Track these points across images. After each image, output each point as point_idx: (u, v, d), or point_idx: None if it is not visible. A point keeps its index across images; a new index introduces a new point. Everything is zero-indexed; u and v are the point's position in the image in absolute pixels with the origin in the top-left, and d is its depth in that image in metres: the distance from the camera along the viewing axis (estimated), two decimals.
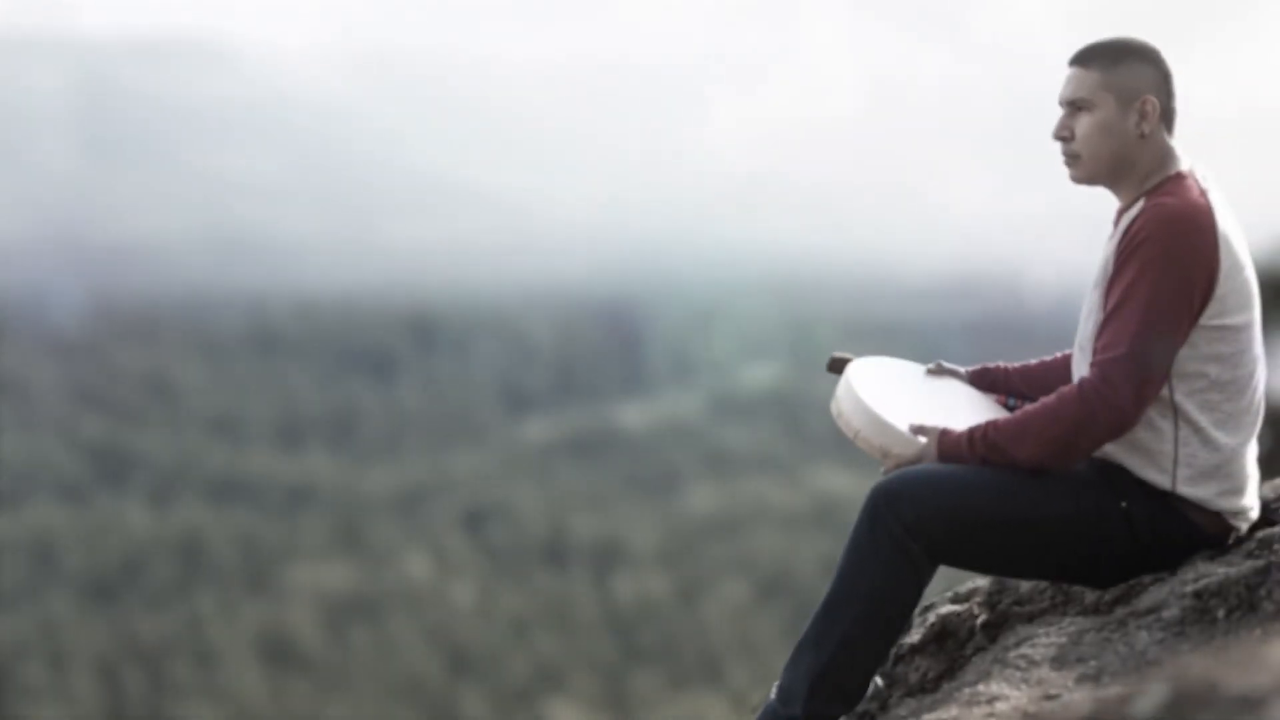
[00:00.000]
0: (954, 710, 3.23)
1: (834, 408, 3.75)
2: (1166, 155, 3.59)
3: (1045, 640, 3.42)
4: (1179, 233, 3.46)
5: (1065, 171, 3.67)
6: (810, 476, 57.66)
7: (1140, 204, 3.55)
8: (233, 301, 75.53)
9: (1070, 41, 3.70)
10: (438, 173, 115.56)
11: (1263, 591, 3.29)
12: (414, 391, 69.90)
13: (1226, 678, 1.74)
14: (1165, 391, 3.52)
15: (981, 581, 4.15)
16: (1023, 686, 3.24)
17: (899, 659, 3.98)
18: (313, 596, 50.50)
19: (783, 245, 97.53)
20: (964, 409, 3.80)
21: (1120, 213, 3.63)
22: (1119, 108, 3.57)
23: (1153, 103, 3.56)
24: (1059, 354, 3.96)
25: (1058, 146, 3.66)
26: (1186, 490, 3.55)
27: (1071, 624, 3.48)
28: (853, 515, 3.55)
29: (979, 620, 3.98)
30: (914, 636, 4.02)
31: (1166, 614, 3.31)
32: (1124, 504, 3.54)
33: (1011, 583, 4.07)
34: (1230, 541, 3.62)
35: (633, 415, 67.57)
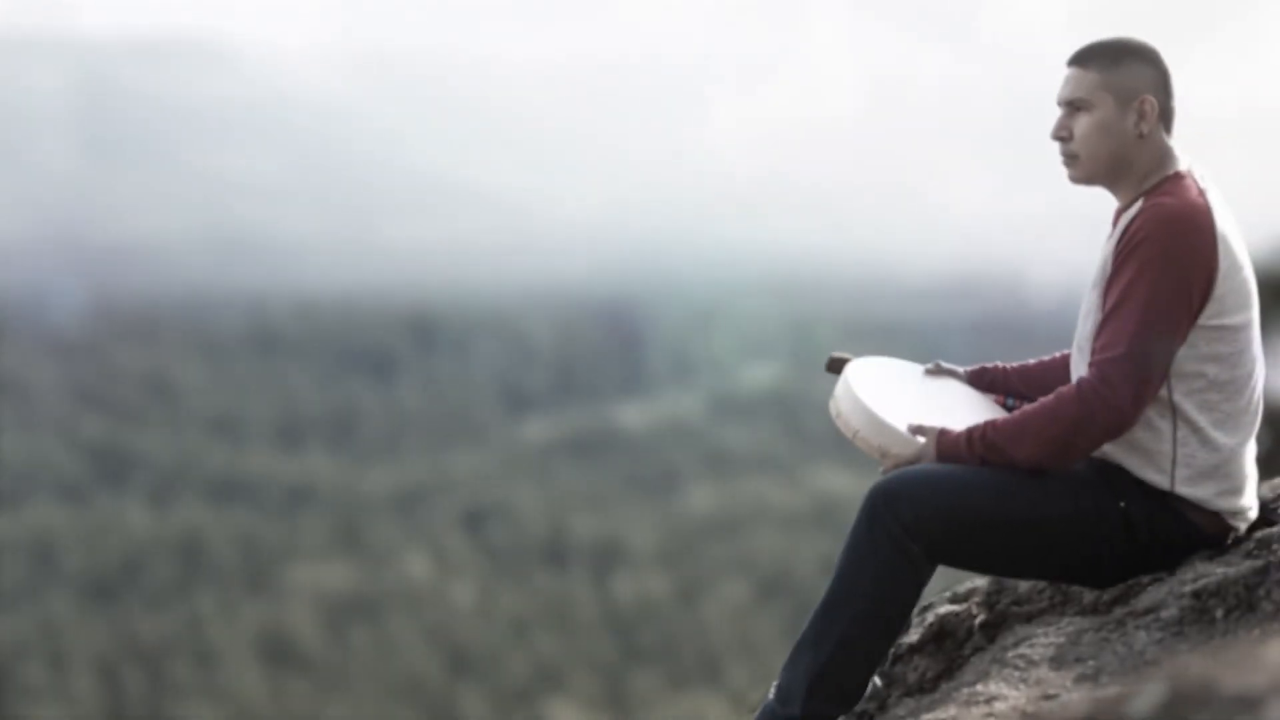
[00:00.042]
0: (952, 710, 3.23)
1: (833, 408, 3.75)
2: (1165, 155, 3.59)
3: (1044, 640, 3.42)
4: (1178, 233, 3.46)
5: (1064, 171, 3.67)
6: (810, 476, 57.66)
7: (1139, 204, 3.55)
8: (233, 301, 75.53)
9: (1070, 42, 3.70)
10: (438, 173, 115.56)
11: (1261, 591, 3.29)
12: (414, 391, 69.90)
13: (1224, 677, 1.74)
14: (1164, 391, 3.52)
15: (980, 581, 4.15)
16: (1021, 686, 3.24)
17: (897, 659, 3.98)
18: (313, 596, 50.50)
19: (783, 245, 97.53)
20: (962, 409, 3.80)
21: (1119, 213, 3.63)
22: (1117, 108, 3.57)
23: (1151, 103, 3.56)
24: (1057, 354, 3.96)
25: (1057, 146, 3.66)
26: (1185, 490, 3.55)
27: (1070, 624, 3.48)
28: (852, 515, 3.55)
29: (977, 620, 3.98)
30: (912, 636, 4.02)
31: (1165, 614, 3.31)
32: (1122, 504, 3.54)
33: (1010, 583, 4.07)
34: (1229, 541, 3.62)
35: (633, 415, 67.56)
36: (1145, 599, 3.42)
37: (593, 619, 50.84)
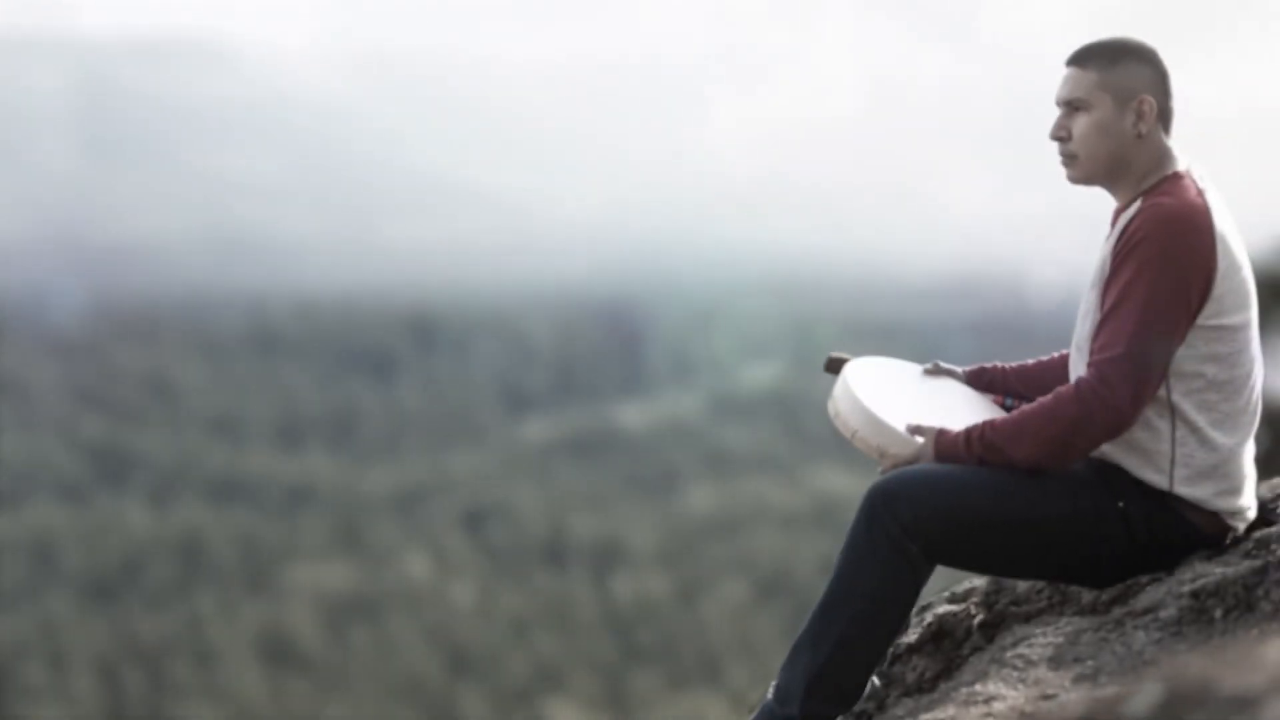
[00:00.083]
0: (951, 710, 3.22)
1: (831, 408, 3.75)
2: (1164, 155, 3.59)
3: (1042, 640, 3.42)
4: (1176, 233, 3.46)
5: (1063, 171, 3.67)
6: (810, 476, 57.66)
7: (1137, 204, 3.55)
8: (233, 301, 75.55)
9: (1070, 42, 3.70)
10: (438, 173, 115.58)
11: (1260, 591, 3.29)
12: (414, 391, 69.90)
13: (1221, 677, 1.74)
14: (1162, 391, 3.52)
15: (978, 581, 4.15)
16: (1020, 686, 3.24)
17: (896, 659, 3.98)
18: (312, 596, 50.50)
19: (783, 245, 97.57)
20: (961, 409, 3.80)
21: (1117, 213, 3.63)
22: (1116, 108, 3.56)
23: (1150, 103, 3.56)
24: (1056, 354, 3.96)
25: (1055, 146, 3.66)
26: (1184, 490, 3.55)
27: (1068, 624, 3.48)
28: (852, 515, 3.55)
29: (976, 620, 3.98)
30: (911, 636, 4.02)
31: (1164, 614, 3.31)
32: (1121, 504, 3.54)
33: (1008, 583, 4.07)
34: (1228, 541, 3.62)
35: (632, 415, 67.57)
36: (1144, 599, 3.42)
37: (592, 619, 50.85)
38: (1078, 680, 3.17)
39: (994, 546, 3.53)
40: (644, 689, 46.16)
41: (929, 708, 3.35)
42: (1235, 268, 3.52)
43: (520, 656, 47.80)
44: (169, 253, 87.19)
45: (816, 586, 3.56)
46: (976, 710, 3.18)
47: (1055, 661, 3.29)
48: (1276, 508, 3.81)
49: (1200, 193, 3.53)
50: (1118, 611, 3.43)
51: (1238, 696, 1.69)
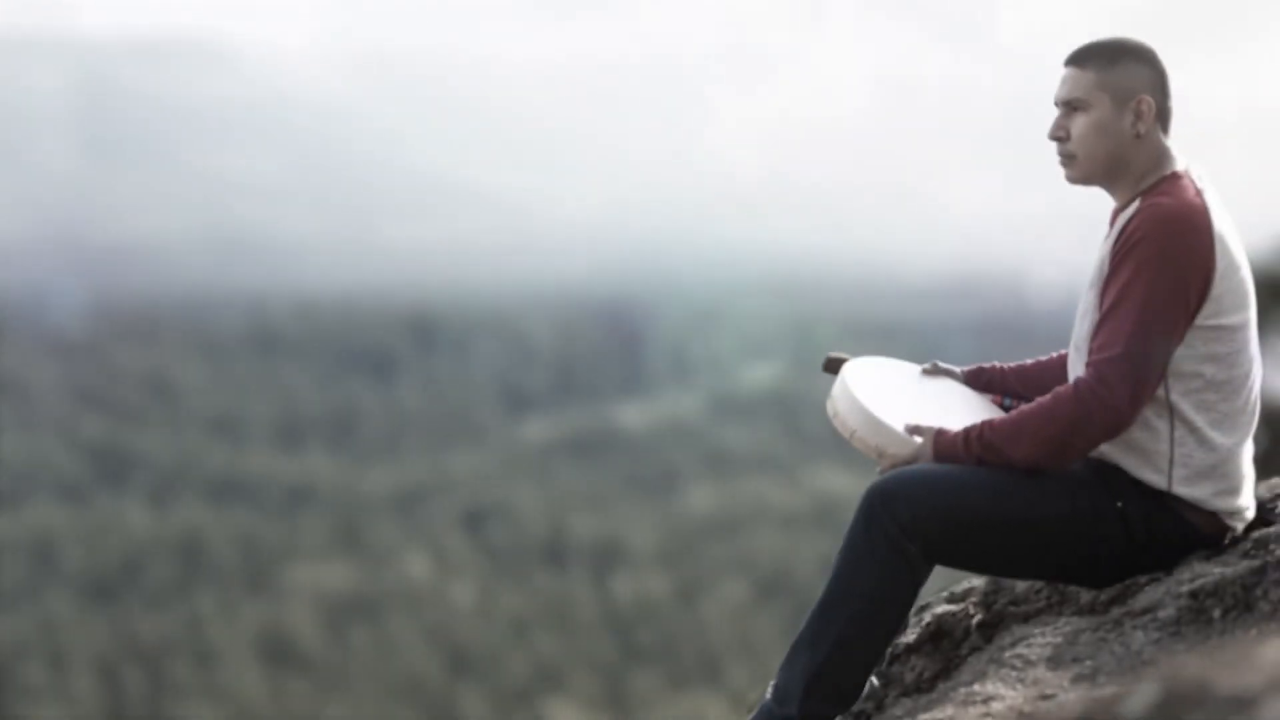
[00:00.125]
0: (949, 710, 3.22)
1: (830, 408, 3.75)
2: (1162, 155, 3.59)
3: (1041, 640, 3.42)
4: (1175, 233, 3.46)
5: (1062, 172, 3.67)
6: (810, 476, 57.66)
7: (1136, 204, 3.54)
8: (233, 301, 75.56)
9: (1072, 42, 3.70)
10: (438, 173, 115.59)
11: (1259, 591, 3.29)
12: (414, 391, 69.91)
13: (1218, 677, 1.74)
14: (1161, 391, 3.52)
15: (977, 581, 4.15)
16: (1018, 686, 3.24)
17: (894, 659, 3.98)
18: (312, 596, 50.51)
19: (783, 245, 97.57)
20: (959, 409, 3.79)
21: (1116, 213, 3.63)
22: (1114, 108, 3.56)
23: (1148, 102, 3.56)
24: (1055, 354, 3.96)
25: (1054, 146, 3.66)
26: (1182, 490, 3.55)
27: (1067, 624, 3.48)
28: (852, 515, 3.55)
29: (975, 620, 3.98)
30: (910, 636, 4.02)
31: (1162, 614, 3.31)
32: (1120, 504, 3.54)
33: (1007, 583, 4.07)
34: (1226, 541, 3.62)
35: (632, 415, 67.58)
36: (1142, 599, 3.42)
37: (592, 619, 50.85)
38: (1076, 680, 3.16)
39: (992, 546, 3.53)
40: (644, 689, 46.17)
41: (927, 708, 3.35)
42: (1234, 268, 3.52)
43: (520, 656, 47.81)
44: (169, 253, 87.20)
45: (816, 586, 3.56)
46: (975, 710, 3.18)
47: (1054, 661, 3.29)
48: (1275, 508, 3.81)
49: (1199, 193, 3.53)
50: (1116, 611, 3.43)
51: (1234, 696, 1.69)
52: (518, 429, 66.83)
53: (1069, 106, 3.60)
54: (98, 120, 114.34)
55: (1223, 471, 3.56)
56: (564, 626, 49.82)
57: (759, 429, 64.67)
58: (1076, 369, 3.60)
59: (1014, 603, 3.98)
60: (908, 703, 3.57)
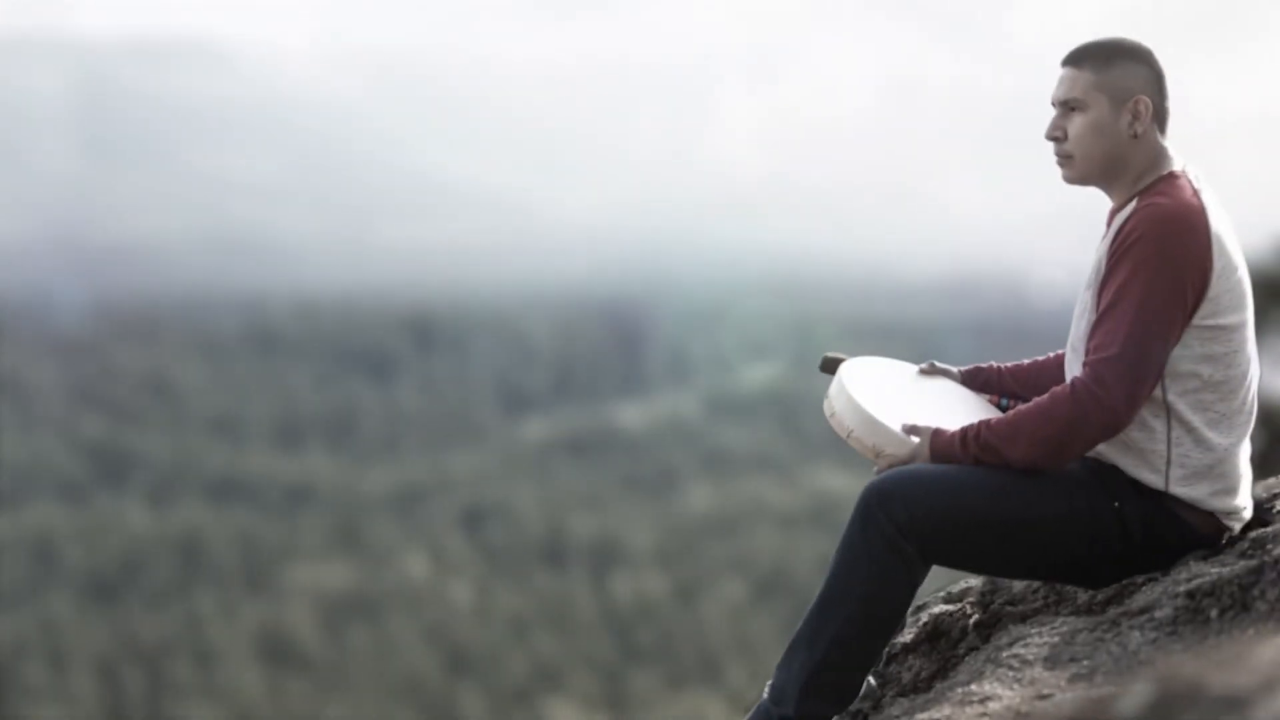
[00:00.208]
0: (947, 710, 3.22)
1: (827, 407, 3.75)
2: (1159, 155, 3.59)
3: (1038, 640, 3.42)
4: (1172, 233, 3.45)
5: (1059, 172, 3.67)
6: (808, 476, 57.69)
7: (1133, 204, 3.54)
8: (233, 301, 75.57)
9: (1074, 42, 3.70)
10: (438, 173, 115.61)
11: (1256, 591, 3.28)
12: (413, 391, 69.93)
13: (1212, 678, 1.74)
14: (1158, 392, 3.52)
15: (974, 581, 4.15)
16: (1015, 686, 3.24)
17: (892, 658, 3.98)
18: (312, 596, 50.52)
19: (783, 245, 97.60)
20: (957, 409, 3.79)
21: (1113, 213, 3.63)
22: (1111, 108, 3.56)
23: (1145, 103, 3.56)
24: (1051, 354, 3.96)
25: (1052, 147, 3.66)
26: (1180, 490, 3.55)
27: (1064, 624, 3.48)
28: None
29: (972, 620, 3.98)
30: (907, 636, 4.02)
31: (1159, 614, 3.31)
32: (1117, 504, 3.54)
33: (1004, 582, 4.07)
34: (1223, 541, 3.62)
35: (631, 415, 67.60)
36: (1140, 599, 3.42)
37: (591, 619, 50.87)
38: (1073, 680, 3.16)
39: (990, 546, 3.53)
40: (643, 688, 46.18)
41: (925, 707, 3.35)
42: (1231, 268, 3.52)
43: (519, 656, 47.82)
44: (169, 253, 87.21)
45: (815, 586, 3.57)
46: (972, 710, 3.18)
47: (1051, 661, 3.29)
48: (1272, 507, 3.81)
49: (1196, 193, 3.53)
50: (1113, 611, 3.43)
51: (1228, 696, 1.69)
52: (517, 429, 66.86)
53: (1066, 107, 3.60)
54: (98, 120, 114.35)
55: (1220, 471, 3.56)
56: (563, 626, 49.84)
57: (758, 429, 64.70)
58: (1074, 369, 3.60)
59: (1011, 603, 3.98)
60: (905, 702, 3.57)
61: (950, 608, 4.07)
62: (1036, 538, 3.53)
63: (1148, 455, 3.55)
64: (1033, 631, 3.49)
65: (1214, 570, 3.40)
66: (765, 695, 3.57)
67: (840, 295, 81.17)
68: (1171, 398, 3.52)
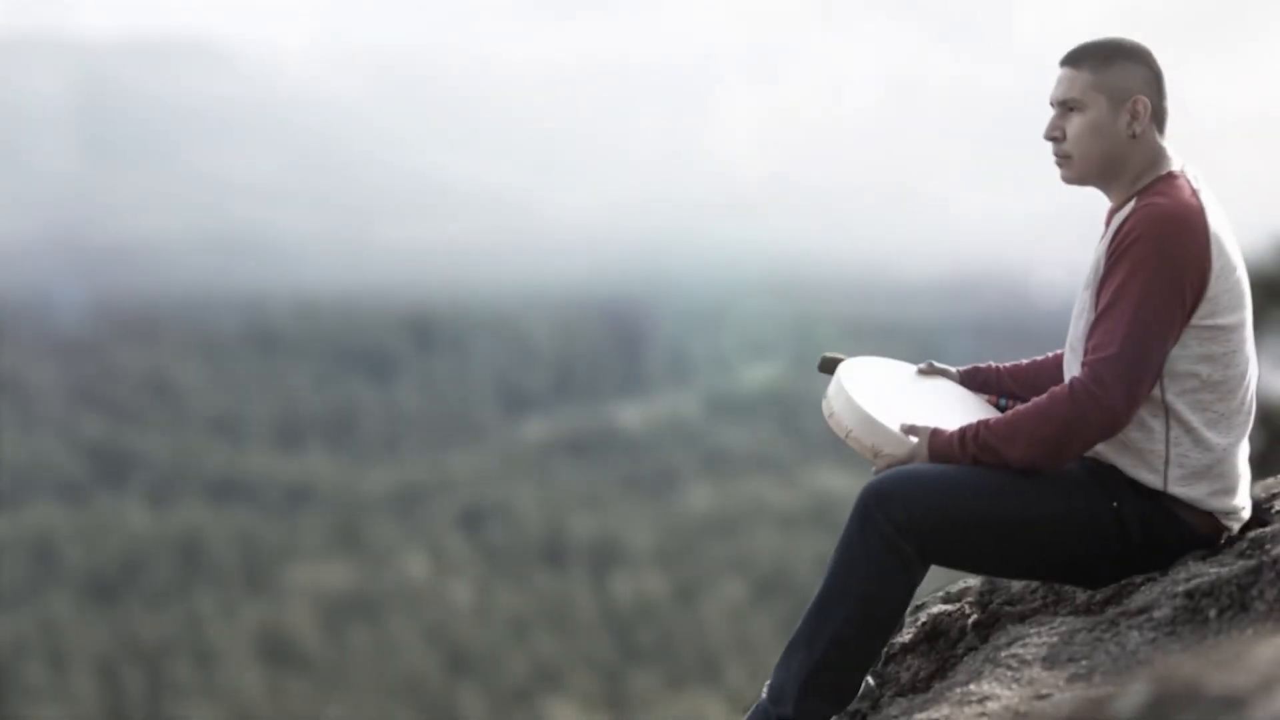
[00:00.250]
0: (945, 709, 3.22)
1: (825, 408, 3.74)
2: (1158, 155, 3.58)
3: (1037, 640, 3.42)
4: (1171, 233, 3.45)
5: (1058, 172, 3.67)
6: (808, 476, 57.69)
7: (1131, 204, 3.54)
8: (233, 301, 75.59)
9: (1074, 42, 3.70)
10: (438, 173, 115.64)
11: (1255, 591, 3.28)
12: (413, 391, 69.93)
13: (1209, 677, 1.74)
14: (1157, 391, 3.51)
15: (973, 581, 4.15)
16: (1014, 686, 3.24)
17: (890, 658, 3.98)
18: (312, 596, 50.53)
19: (783, 245, 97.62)
20: (955, 409, 3.79)
21: (1111, 213, 3.62)
22: (1110, 108, 3.56)
23: (1144, 103, 3.56)
24: (1050, 354, 3.96)
25: (1050, 147, 3.66)
26: (1178, 490, 3.55)
27: (1063, 624, 3.48)
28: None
29: (970, 620, 3.98)
30: (905, 636, 4.02)
31: (1158, 614, 3.31)
32: (1116, 504, 3.53)
33: (1003, 582, 4.07)
34: (1222, 541, 3.62)
35: (631, 415, 67.62)
36: (1138, 599, 3.42)
37: (591, 618, 50.87)
38: (1072, 680, 3.16)
39: (988, 547, 3.53)
40: (643, 688, 46.19)
41: (923, 707, 3.35)
42: (1230, 268, 3.52)
43: (519, 656, 47.83)
44: (169, 253, 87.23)
45: (815, 586, 3.57)
46: (971, 710, 3.17)
47: (1049, 661, 3.29)
48: (1271, 507, 3.80)
49: (1194, 193, 3.53)
50: (1112, 611, 3.43)
51: (1226, 696, 1.69)
52: (517, 429, 66.87)
53: (1064, 107, 3.60)
54: (98, 120, 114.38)
55: (1219, 471, 3.56)
56: (563, 626, 49.85)
57: (758, 429, 64.71)
58: (1072, 369, 3.60)
59: (1010, 602, 3.98)
60: (903, 702, 3.57)
61: (949, 608, 4.07)
62: (1035, 538, 3.53)
63: (1146, 455, 3.55)
64: (1031, 631, 3.49)
65: (1212, 570, 3.40)
66: (764, 695, 3.57)
67: (840, 295, 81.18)
68: (1170, 398, 3.52)
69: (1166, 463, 3.54)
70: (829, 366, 3.91)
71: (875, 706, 3.72)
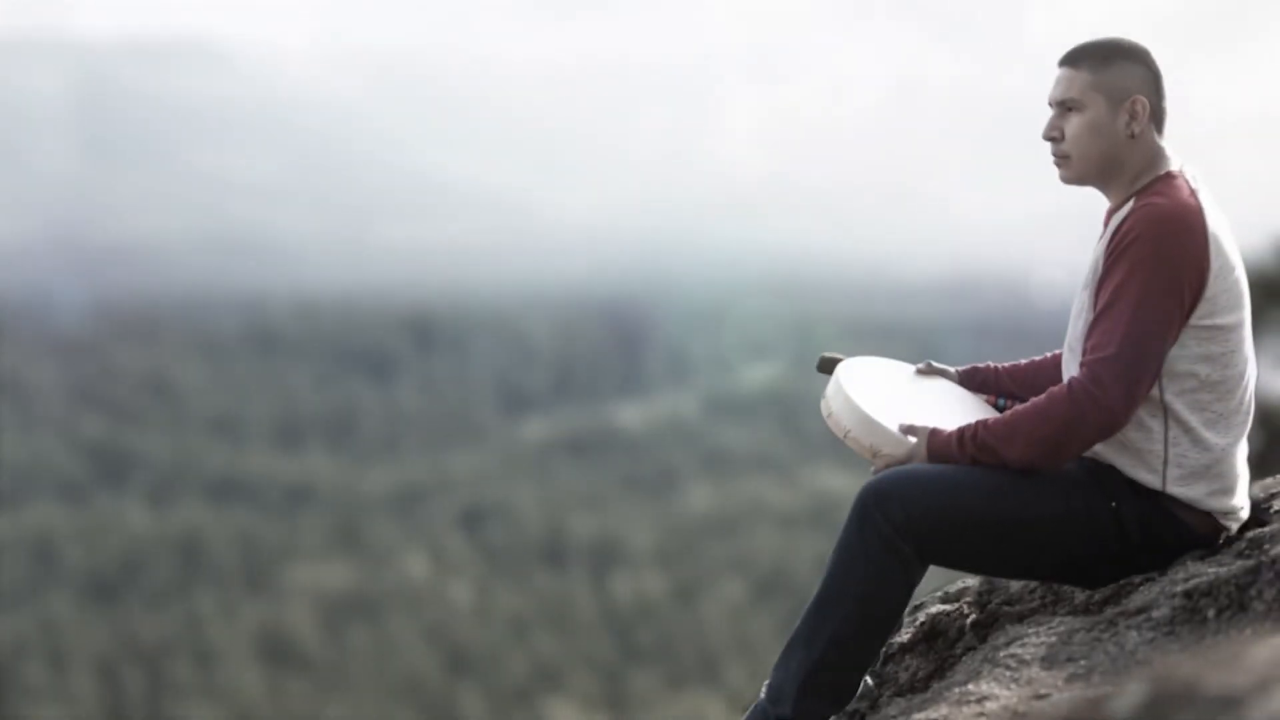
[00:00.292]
0: (944, 709, 3.22)
1: (824, 408, 3.74)
2: (1156, 155, 3.58)
3: (1035, 640, 3.42)
4: (1169, 233, 3.45)
5: (1056, 172, 3.66)
6: (808, 476, 57.70)
7: (1130, 204, 3.54)
8: (233, 301, 75.61)
9: (1073, 42, 3.70)
10: (438, 173, 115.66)
11: (1253, 591, 3.28)
12: (413, 391, 69.94)
13: (1206, 677, 1.74)
14: (1155, 391, 3.51)
15: (971, 581, 4.15)
16: (1012, 686, 3.24)
17: (889, 658, 3.98)
18: (312, 596, 50.53)
19: (783, 245, 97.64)
20: (954, 409, 3.79)
21: (1110, 213, 3.62)
22: (1109, 108, 3.56)
23: (1142, 103, 3.55)
24: (1049, 354, 3.96)
25: (1049, 147, 3.65)
26: (1177, 490, 3.55)
27: (1061, 624, 3.48)
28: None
29: (969, 620, 3.98)
30: (904, 636, 4.02)
31: (1156, 614, 3.31)
32: (1114, 504, 3.53)
33: (1001, 582, 4.07)
34: (1221, 541, 3.61)
35: (631, 415, 67.63)
36: (1137, 599, 3.42)
37: (591, 618, 50.87)
38: (1070, 680, 3.16)
39: (987, 547, 3.53)
40: (643, 688, 46.19)
41: (922, 707, 3.35)
42: (1228, 268, 3.51)
43: (519, 656, 47.83)
44: (169, 253, 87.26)
45: (814, 586, 3.57)
46: (969, 710, 3.17)
47: (1048, 661, 3.29)
48: (1270, 508, 3.80)
49: (1193, 193, 3.53)
50: (1110, 611, 3.43)
51: (1223, 696, 1.69)
52: (517, 429, 66.87)
53: (1063, 107, 3.60)
54: (98, 121, 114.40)
55: (1217, 472, 3.56)
56: (563, 626, 49.85)
57: (757, 429, 64.72)
58: (1071, 369, 3.59)
59: (1008, 602, 3.98)
60: (902, 702, 3.57)
61: (947, 607, 4.07)
62: (1033, 538, 3.53)
63: (1145, 455, 3.55)
64: (1030, 631, 3.49)
65: (1211, 570, 3.40)
66: (763, 695, 3.58)
67: (840, 295, 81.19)
68: (1169, 397, 3.52)
69: (1165, 463, 3.54)
70: (827, 366, 3.91)
71: (874, 706, 3.72)
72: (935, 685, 3.58)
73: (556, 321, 77.12)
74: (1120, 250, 3.46)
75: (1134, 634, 3.27)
